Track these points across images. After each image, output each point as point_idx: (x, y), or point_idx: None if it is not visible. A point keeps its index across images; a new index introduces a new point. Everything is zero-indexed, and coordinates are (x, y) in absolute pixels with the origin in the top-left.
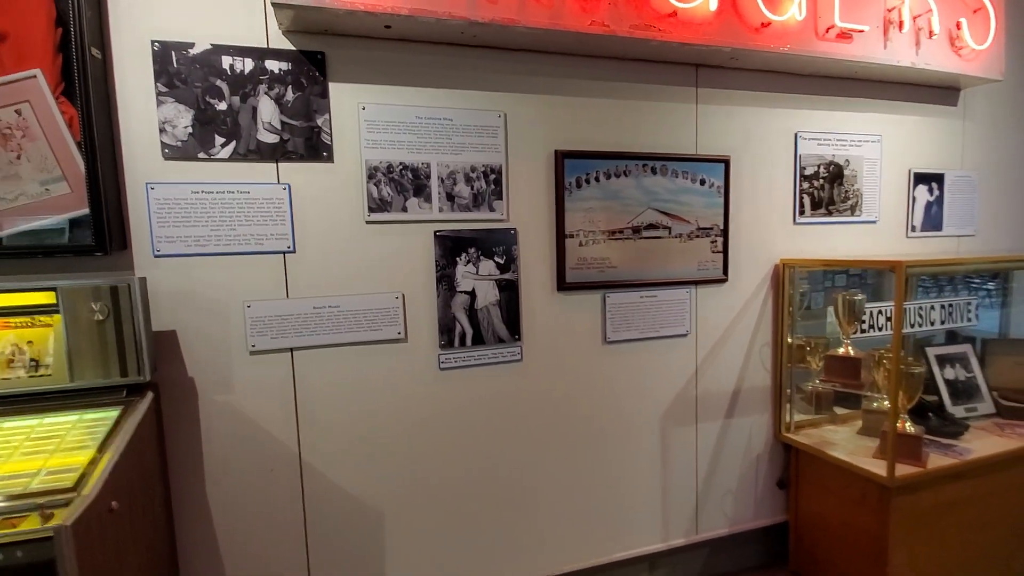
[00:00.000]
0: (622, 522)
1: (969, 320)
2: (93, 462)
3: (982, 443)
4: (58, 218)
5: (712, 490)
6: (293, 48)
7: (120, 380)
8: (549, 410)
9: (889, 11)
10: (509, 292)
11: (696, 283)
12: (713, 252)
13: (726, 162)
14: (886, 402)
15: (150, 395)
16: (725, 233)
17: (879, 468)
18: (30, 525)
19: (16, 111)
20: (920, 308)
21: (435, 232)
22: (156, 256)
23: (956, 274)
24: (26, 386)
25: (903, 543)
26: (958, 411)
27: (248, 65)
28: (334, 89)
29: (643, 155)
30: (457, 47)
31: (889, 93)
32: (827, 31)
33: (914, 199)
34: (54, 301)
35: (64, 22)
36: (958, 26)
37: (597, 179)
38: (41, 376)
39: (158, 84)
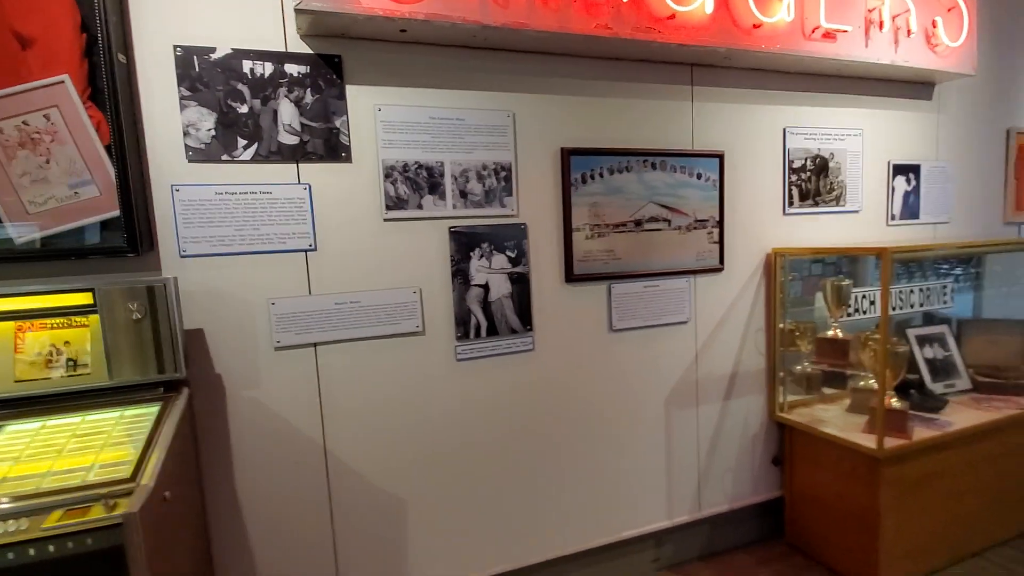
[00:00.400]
0: (630, 501)
1: (944, 303)
2: (144, 455)
3: (961, 416)
4: (88, 220)
5: (713, 469)
6: (311, 52)
7: (157, 377)
8: (560, 397)
9: (870, 11)
10: (520, 285)
11: (694, 272)
12: (710, 243)
13: (720, 157)
14: (872, 380)
15: (186, 391)
16: (720, 224)
17: (869, 441)
18: (96, 514)
19: (45, 116)
20: (900, 292)
21: (450, 228)
22: (182, 256)
23: (936, 259)
24: (66, 385)
25: (892, 512)
26: (937, 388)
27: (268, 69)
28: (351, 91)
29: (643, 151)
30: (468, 49)
31: (870, 89)
32: (813, 31)
33: (893, 189)
34: (91, 302)
35: (89, 28)
36: (934, 24)
37: (601, 175)
38: (80, 375)
39: (181, 88)
